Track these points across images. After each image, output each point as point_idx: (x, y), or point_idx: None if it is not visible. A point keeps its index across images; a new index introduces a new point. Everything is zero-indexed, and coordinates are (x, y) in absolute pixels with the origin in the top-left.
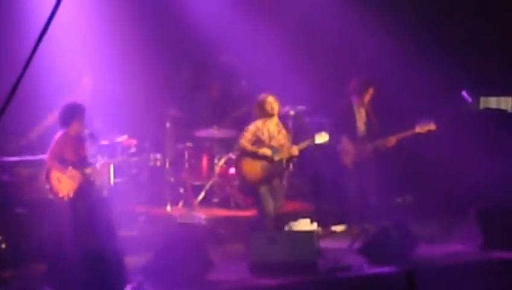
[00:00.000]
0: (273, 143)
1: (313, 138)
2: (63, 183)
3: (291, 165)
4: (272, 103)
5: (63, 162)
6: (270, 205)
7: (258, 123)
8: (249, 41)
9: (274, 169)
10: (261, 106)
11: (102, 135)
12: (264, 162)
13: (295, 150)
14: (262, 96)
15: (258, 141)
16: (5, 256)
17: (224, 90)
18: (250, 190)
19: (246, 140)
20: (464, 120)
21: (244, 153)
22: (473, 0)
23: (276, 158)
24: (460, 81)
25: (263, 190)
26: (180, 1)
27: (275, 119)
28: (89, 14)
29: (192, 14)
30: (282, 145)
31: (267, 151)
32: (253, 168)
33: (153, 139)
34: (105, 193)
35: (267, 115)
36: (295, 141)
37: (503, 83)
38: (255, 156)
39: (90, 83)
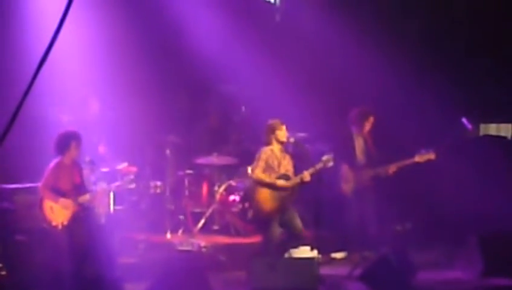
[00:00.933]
0: (282, 169)
1: (321, 161)
2: (56, 213)
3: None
4: (284, 130)
5: (56, 191)
6: (277, 232)
7: (267, 150)
8: (250, 68)
9: (289, 197)
10: (273, 132)
11: (106, 158)
12: (280, 191)
13: (307, 176)
14: (274, 123)
15: (268, 168)
16: (5, 283)
17: (224, 118)
18: (265, 219)
19: (260, 170)
20: (463, 147)
21: (258, 183)
22: (473, 29)
23: (290, 185)
24: (460, 108)
25: (276, 218)
26: (181, 29)
27: (279, 145)
28: (91, 41)
29: (193, 42)
30: (289, 171)
31: (284, 183)
32: (270, 198)
33: (153, 166)
34: (103, 220)
35: (276, 142)
36: (296, 167)
37: (503, 110)
38: (272, 187)
39: (96, 104)
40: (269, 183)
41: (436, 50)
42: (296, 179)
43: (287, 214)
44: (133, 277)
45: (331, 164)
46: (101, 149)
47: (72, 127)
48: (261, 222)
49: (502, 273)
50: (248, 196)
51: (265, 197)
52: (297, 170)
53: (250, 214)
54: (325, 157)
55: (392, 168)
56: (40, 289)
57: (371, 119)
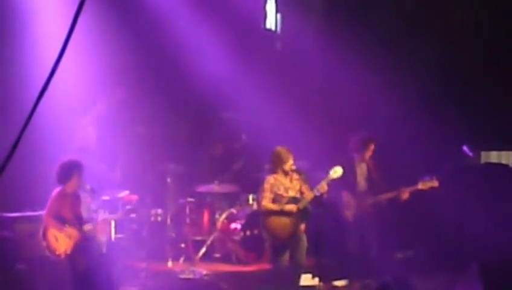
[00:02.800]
0: (291, 193)
1: (329, 174)
2: (60, 241)
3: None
4: (289, 158)
5: (60, 220)
6: (286, 260)
7: (271, 179)
8: (251, 96)
9: (302, 218)
10: (280, 161)
11: (107, 184)
12: (291, 216)
13: (315, 192)
14: (282, 152)
15: (277, 197)
16: None
17: (226, 146)
18: (281, 247)
19: (266, 200)
20: (465, 175)
21: (268, 213)
22: (475, 57)
23: (301, 206)
24: (461, 135)
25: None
26: (183, 58)
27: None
28: (92, 66)
29: (195, 70)
30: (299, 191)
31: (292, 207)
32: (283, 224)
33: (154, 194)
34: (104, 249)
35: (281, 169)
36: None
37: (504, 138)
38: (281, 213)
39: (94, 132)
40: (277, 210)
41: (438, 78)
42: (306, 199)
43: (299, 241)
44: None
45: (338, 174)
46: (104, 169)
47: (74, 155)
48: (276, 251)
49: None
50: (261, 227)
51: (276, 225)
52: None
53: (267, 244)
54: (332, 170)
55: (405, 192)
56: None
57: (371, 146)
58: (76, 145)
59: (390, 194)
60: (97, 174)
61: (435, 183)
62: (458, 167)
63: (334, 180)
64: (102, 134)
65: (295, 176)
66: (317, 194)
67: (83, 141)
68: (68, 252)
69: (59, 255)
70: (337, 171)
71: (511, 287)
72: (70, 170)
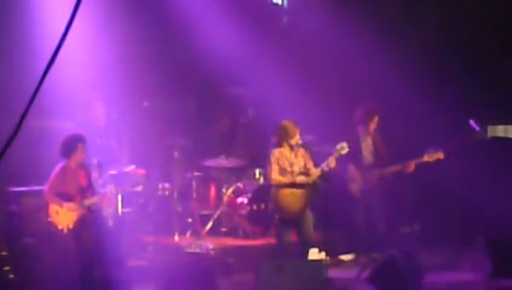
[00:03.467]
0: (295, 168)
1: (336, 150)
2: (62, 216)
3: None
4: (296, 132)
5: (62, 195)
6: (290, 235)
7: (276, 153)
8: (257, 70)
9: (311, 193)
10: (286, 135)
11: (115, 159)
12: (302, 190)
13: (324, 168)
14: (288, 126)
15: (281, 171)
16: (14, 286)
17: (233, 121)
18: (291, 222)
19: (276, 173)
20: (471, 149)
21: (278, 186)
22: (482, 31)
23: (310, 181)
24: (467, 109)
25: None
26: (190, 32)
27: (289, 147)
28: (98, 43)
29: (201, 45)
30: (303, 167)
31: (303, 179)
32: (293, 200)
33: (161, 168)
34: (110, 223)
35: (287, 143)
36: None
37: (511, 112)
38: (292, 186)
39: (102, 107)
40: (289, 183)
41: (445, 51)
42: (316, 173)
43: (304, 217)
44: (141, 279)
45: (345, 151)
46: (113, 144)
47: (79, 130)
48: (283, 225)
49: (510, 275)
50: (271, 200)
51: (288, 199)
52: None
53: (274, 218)
54: (339, 146)
55: (411, 165)
56: None
57: (376, 118)
58: (85, 120)
59: (396, 167)
60: (105, 149)
61: (441, 155)
62: (465, 141)
63: (342, 156)
64: (110, 109)
65: (300, 152)
66: (326, 169)
67: (91, 116)
68: (71, 226)
69: (62, 230)
70: (344, 147)
71: None
72: (73, 144)
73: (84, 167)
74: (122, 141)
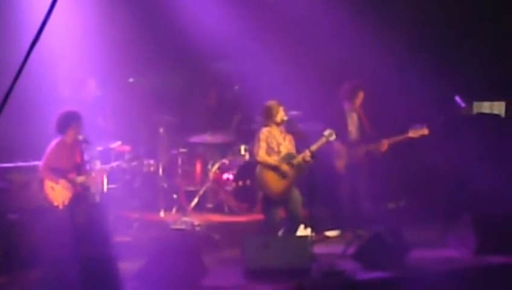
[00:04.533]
0: (282, 149)
1: (323, 136)
2: (57, 192)
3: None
4: (281, 111)
5: (57, 171)
6: (279, 213)
7: (265, 131)
8: (243, 46)
9: (297, 175)
10: (270, 114)
11: (103, 135)
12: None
13: (307, 155)
14: (272, 105)
15: (268, 149)
16: (0, 263)
17: (218, 97)
18: (275, 200)
19: (263, 150)
20: (457, 125)
21: (262, 164)
22: (466, 6)
23: (295, 163)
24: (453, 86)
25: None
26: (175, 8)
27: (277, 126)
28: (85, 19)
29: (186, 20)
30: (290, 150)
31: (286, 168)
32: (278, 178)
33: (146, 145)
34: (97, 199)
35: (274, 123)
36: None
37: (496, 88)
38: (276, 170)
39: (93, 83)
40: (274, 166)
41: (429, 27)
42: (299, 159)
43: (291, 195)
44: (127, 255)
45: (333, 137)
46: (100, 121)
47: (69, 105)
48: (269, 203)
49: (495, 251)
50: (255, 178)
51: (272, 178)
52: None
53: (259, 195)
54: (326, 132)
55: (385, 144)
56: (35, 268)
57: (360, 94)
58: (74, 96)
59: (371, 146)
60: (91, 125)
61: (425, 131)
62: (451, 118)
63: (328, 142)
64: (97, 85)
65: (289, 136)
66: (301, 161)
67: (81, 93)
68: (66, 203)
69: (57, 206)
70: (331, 134)
71: (502, 238)
72: (70, 120)
73: (78, 143)
74: (108, 118)
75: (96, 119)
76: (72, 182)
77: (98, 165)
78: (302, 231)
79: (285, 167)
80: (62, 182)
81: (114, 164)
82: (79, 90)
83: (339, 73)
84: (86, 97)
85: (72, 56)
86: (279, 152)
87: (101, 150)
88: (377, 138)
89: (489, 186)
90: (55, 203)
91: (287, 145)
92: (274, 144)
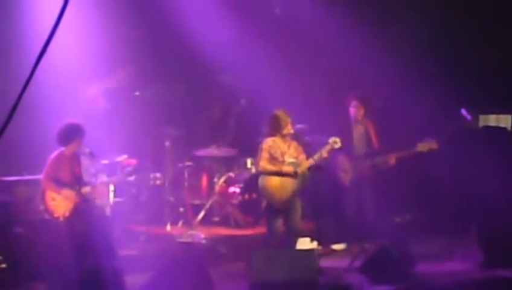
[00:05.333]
0: (286, 158)
1: (328, 144)
2: (58, 204)
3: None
4: (287, 121)
5: (58, 182)
6: (281, 224)
7: (269, 141)
8: (249, 60)
9: (299, 183)
10: (278, 124)
11: (109, 149)
12: (289, 180)
13: (314, 160)
14: (280, 115)
15: (272, 159)
16: (5, 276)
17: (224, 110)
18: (278, 210)
19: (264, 161)
20: (463, 138)
21: (266, 174)
22: (473, 19)
23: (299, 171)
24: (459, 99)
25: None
26: (181, 21)
27: (282, 136)
28: (91, 32)
29: (193, 34)
30: (296, 158)
31: (289, 168)
32: (281, 188)
33: (152, 158)
34: (103, 213)
35: (279, 133)
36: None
37: (502, 101)
38: (279, 174)
39: (103, 97)
40: (275, 171)
41: (436, 41)
42: (305, 164)
43: (294, 206)
44: (133, 268)
45: (338, 145)
46: (108, 134)
47: (79, 119)
48: (271, 213)
49: (501, 265)
50: (259, 187)
51: (275, 187)
52: None
53: (263, 205)
54: (331, 139)
55: (391, 159)
56: (40, 281)
57: (354, 103)
58: (83, 111)
59: (378, 160)
60: (98, 138)
61: (434, 146)
62: (456, 131)
63: (333, 149)
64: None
65: (293, 144)
66: (314, 162)
67: (91, 109)
68: (67, 214)
69: (58, 218)
70: (336, 142)
71: (508, 251)
72: (73, 133)
73: (77, 155)
74: (114, 131)
75: (104, 132)
76: (75, 193)
77: (103, 178)
78: (309, 244)
79: (287, 168)
80: (65, 192)
81: (119, 177)
82: (88, 103)
83: (346, 85)
84: (96, 110)
85: (79, 69)
86: (283, 161)
87: (107, 163)
88: (384, 151)
89: (495, 199)
90: (56, 215)
91: (291, 153)
92: (278, 153)
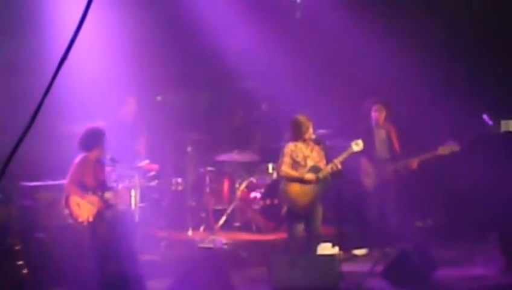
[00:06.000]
0: (309, 162)
1: (350, 147)
2: (83, 208)
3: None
4: (309, 126)
5: (82, 187)
6: (301, 229)
7: (291, 146)
8: (270, 65)
9: (321, 187)
10: (300, 128)
11: (134, 155)
12: (311, 185)
13: (336, 164)
14: (302, 119)
15: (294, 164)
16: (27, 281)
17: (246, 115)
18: (299, 215)
19: (286, 165)
20: (485, 143)
21: (287, 179)
22: (495, 25)
23: (321, 176)
24: (481, 104)
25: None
26: (203, 26)
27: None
28: (112, 39)
29: (214, 39)
30: (319, 163)
31: (311, 176)
32: (302, 193)
33: (174, 163)
34: (125, 218)
35: (301, 138)
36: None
37: None
38: (300, 181)
39: (134, 103)
40: (297, 177)
41: (458, 46)
42: (327, 169)
43: (315, 211)
44: (155, 274)
45: (360, 147)
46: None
47: (109, 127)
48: (292, 218)
49: None
50: (280, 192)
51: (296, 192)
52: None
53: (283, 210)
54: (353, 142)
55: (413, 163)
56: (61, 287)
57: (376, 107)
58: (114, 117)
59: (402, 163)
60: (122, 144)
61: (456, 148)
62: (478, 136)
63: (355, 153)
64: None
65: (316, 147)
66: (336, 168)
67: (125, 116)
68: (91, 219)
69: (82, 222)
70: (358, 144)
71: None
72: (96, 138)
73: (100, 160)
74: (138, 137)
75: (126, 137)
76: (99, 198)
77: (126, 183)
78: (330, 249)
79: (309, 176)
80: (89, 197)
81: (141, 182)
82: (118, 110)
83: (368, 90)
84: (126, 117)
85: (102, 74)
86: (305, 165)
87: (128, 168)
88: (406, 155)
89: None
90: (80, 220)
91: (314, 157)
92: (300, 157)
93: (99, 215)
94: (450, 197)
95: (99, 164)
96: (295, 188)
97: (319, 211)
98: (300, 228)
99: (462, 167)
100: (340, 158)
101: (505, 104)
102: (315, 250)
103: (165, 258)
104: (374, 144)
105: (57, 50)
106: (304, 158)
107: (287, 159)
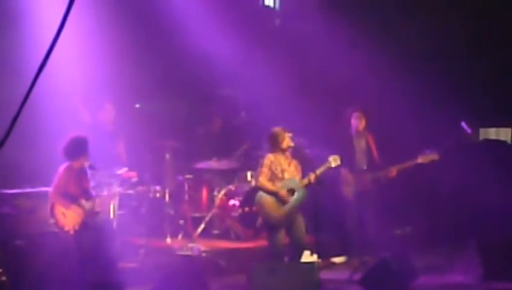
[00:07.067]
0: (286, 176)
1: (328, 162)
2: (68, 218)
3: None
4: (287, 138)
5: (67, 196)
6: (282, 239)
7: (271, 157)
8: (249, 73)
9: (298, 201)
10: (276, 140)
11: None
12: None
13: (311, 179)
14: (278, 131)
15: (272, 175)
16: (6, 288)
17: (225, 123)
18: (274, 226)
19: (264, 177)
20: (463, 151)
21: (263, 191)
22: (472, 33)
23: (296, 189)
24: (459, 112)
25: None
26: (182, 34)
27: (283, 152)
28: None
29: (193, 47)
30: (295, 177)
31: (284, 194)
32: (277, 205)
33: (152, 171)
34: (104, 225)
35: (279, 148)
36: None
37: (502, 114)
38: (275, 195)
39: (113, 109)
40: (273, 191)
41: (436, 54)
42: (303, 182)
43: (294, 221)
44: (133, 281)
45: (338, 163)
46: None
47: (87, 133)
48: (270, 228)
49: (501, 277)
50: (255, 203)
51: (271, 205)
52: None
53: (258, 221)
54: (331, 157)
55: (392, 172)
56: None
57: (356, 115)
58: (94, 123)
59: (381, 173)
60: (101, 151)
61: (435, 157)
62: (457, 144)
63: (332, 168)
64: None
65: (294, 162)
66: (311, 182)
67: (104, 123)
68: (76, 228)
69: (68, 231)
70: (336, 160)
71: (508, 264)
72: (81, 146)
73: (84, 169)
74: (117, 144)
75: (104, 145)
76: (84, 207)
77: (105, 191)
78: (309, 257)
79: (283, 193)
80: (73, 207)
81: (125, 189)
82: (97, 116)
83: (347, 99)
84: (105, 123)
85: (81, 81)
86: (283, 178)
87: (107, 176)
88: (385, 164)
89: (495, 212)
90: (66, 229)
91: (292, 171)
92: (278, 170)
93: (84, 224)
94: (429, 205)
95: (83, 172)
96: (270, 200)
97: (299, 220)
98: (280, 235)
99: (441, 175)
100: (318, 172)
101: (483, 112)
102: (300, 257)
103: (143, 266)
104: (353, 153)
105: (36, 52)
106: (281, 171)
107: (265, 170)
